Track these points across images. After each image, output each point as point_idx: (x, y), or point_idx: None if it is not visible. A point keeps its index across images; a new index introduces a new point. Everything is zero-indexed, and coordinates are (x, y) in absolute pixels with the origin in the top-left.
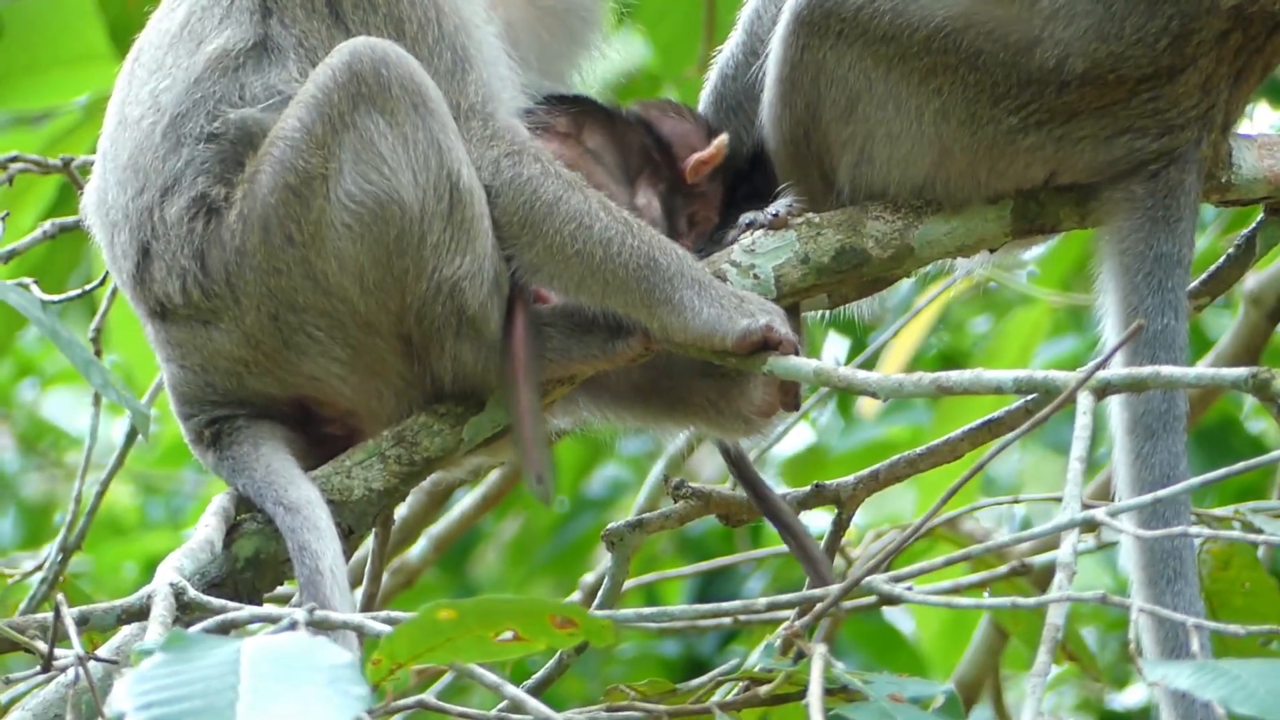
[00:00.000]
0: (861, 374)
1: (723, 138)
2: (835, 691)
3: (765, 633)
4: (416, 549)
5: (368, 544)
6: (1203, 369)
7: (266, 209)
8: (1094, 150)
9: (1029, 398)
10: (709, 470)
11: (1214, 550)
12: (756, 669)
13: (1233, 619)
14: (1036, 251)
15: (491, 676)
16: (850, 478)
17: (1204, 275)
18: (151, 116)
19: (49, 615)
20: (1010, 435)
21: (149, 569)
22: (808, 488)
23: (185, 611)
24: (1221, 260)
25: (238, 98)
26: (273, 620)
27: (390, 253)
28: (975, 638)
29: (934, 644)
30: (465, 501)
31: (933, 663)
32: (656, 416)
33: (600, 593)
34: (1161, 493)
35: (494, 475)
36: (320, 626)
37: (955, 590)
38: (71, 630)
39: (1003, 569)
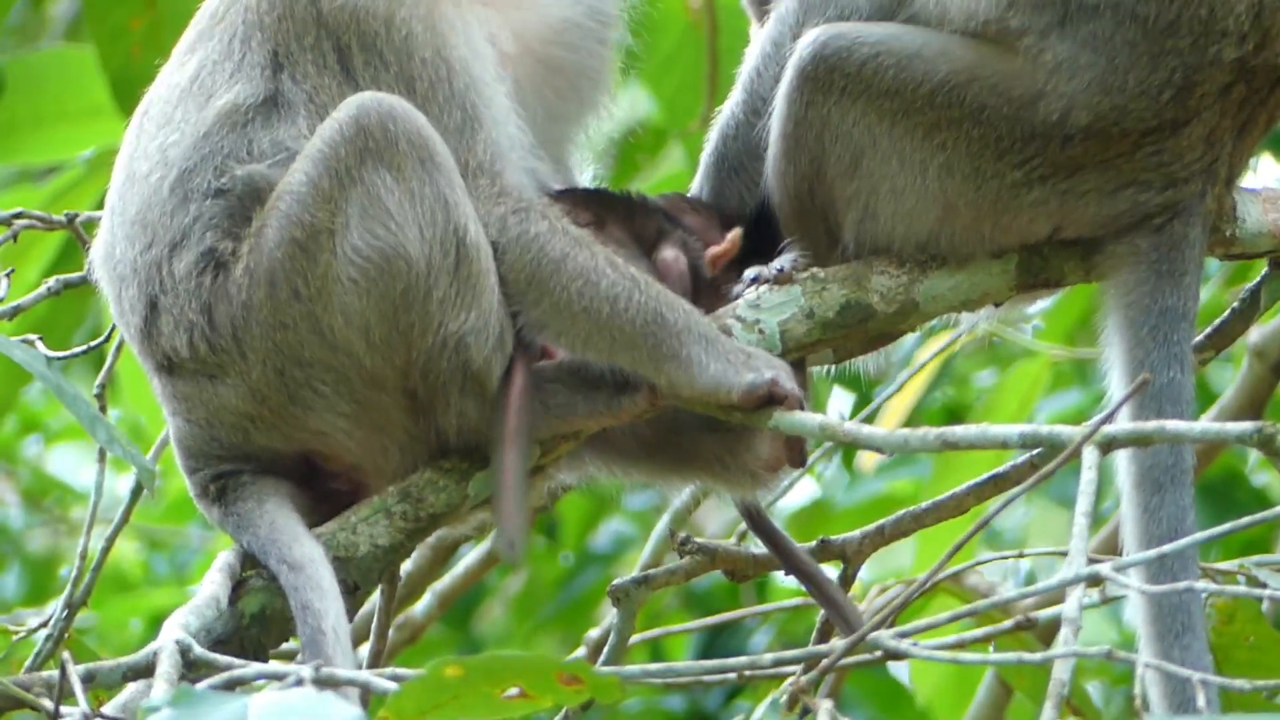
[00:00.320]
0: (867, 429)
1: (736, 232)
2: None
3: (771, 688)
4: (421, 605)
5: (373, 600)
6: (1208, 424)
7: (273, 264)
8: (1098, 204)
9: (1034, 452)
10: (714, 525)
11: (1218, 604)
12: None
13: (1237, 673)
14: (1041, 305)
15: None
16: (856, 533)
17: (1208, 329)
18: (160, 171)
19: (54, 673)
20: (1015, 490)
21: (154, 625)
22: (813, 543)
23: (191, 669)
24: (1226, 314)
25: (245, 153)
26: (279, 677)
27: (396, 308)
28: (980, 693)
29: (938, 699)
30: (470, 557)
31: (938, 718)
32: (662, 471)
33: (606, 648)
34: (1167, 548)
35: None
36: (326, 684)
37: (960, 645)
38: (77, 688)
39: (1007, 624)
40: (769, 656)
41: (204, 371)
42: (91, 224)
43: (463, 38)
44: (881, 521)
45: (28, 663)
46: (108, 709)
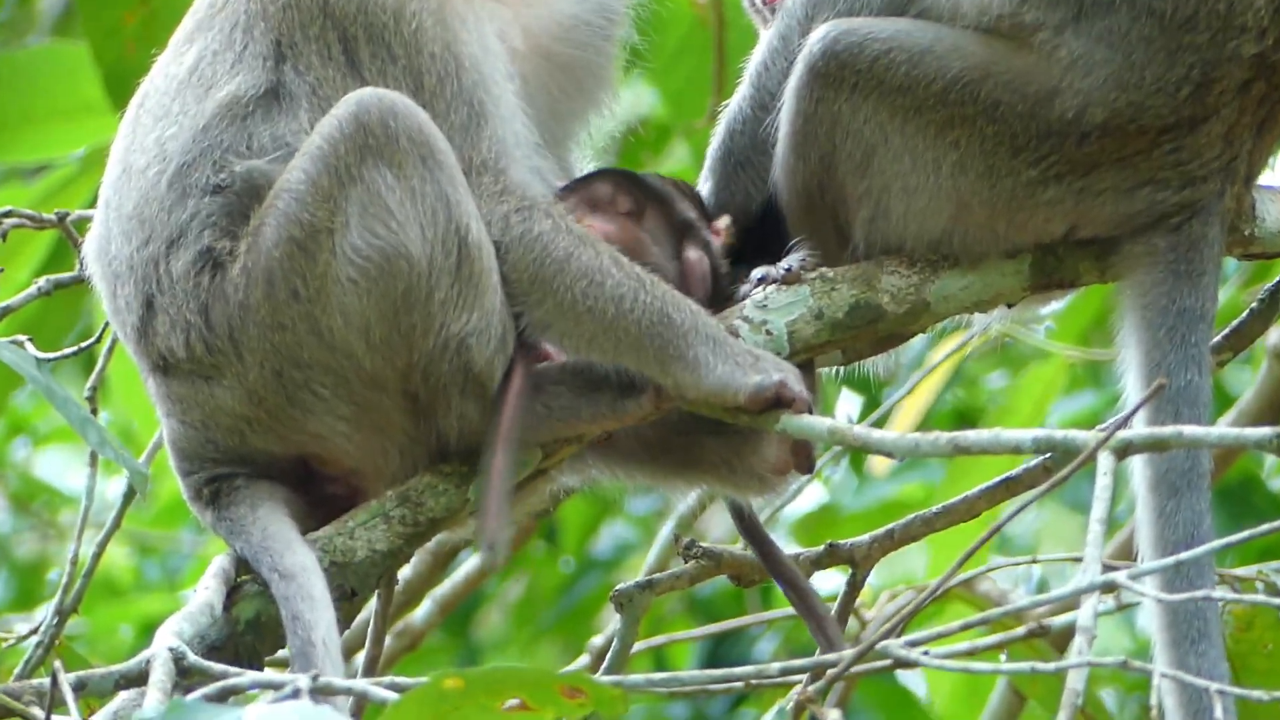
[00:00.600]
0: (877, 433)
1: (725, 219)
2: None
3: (777, 696)
4: (420, 611)
5: (371, 606)
6: (1225, 429)
7: (271, 263)
8: (1115, 203)
9: (1047, 455)
10: (719, 530)
11: (1236, 611)
12: None
13: (1255, 681)
14: (1055, 306)
15: None
16: (865, 537)
17: (1226, 330)
18: (157, 165)
19: (45, 681)
20: (1029, 495)
21: (146, 632)
22: (821, 547)
23: (185, 677)
24: (1244, 315)
25: (245, 148)
26: (275, 686)
27: (397, 308)
28: (992, 700)
29: (949, 707)
30: (469, 563)
31: None
32: (667, 475)
33: (609, 655)
34: (1184, 555)
35: None
36: (323, 693)
37: (972, 653)
38: (68, 696)
39: (1020, 631)
40: (776, 666)
41: (200, 372)
42: (83, 223)
43: (473, 33)
44: (891, 525)
45: (17, 670)
46: (98, 718)
